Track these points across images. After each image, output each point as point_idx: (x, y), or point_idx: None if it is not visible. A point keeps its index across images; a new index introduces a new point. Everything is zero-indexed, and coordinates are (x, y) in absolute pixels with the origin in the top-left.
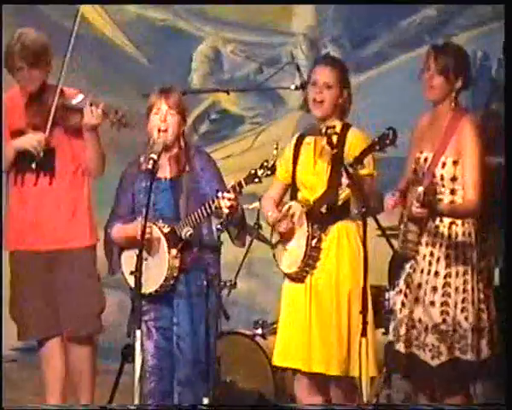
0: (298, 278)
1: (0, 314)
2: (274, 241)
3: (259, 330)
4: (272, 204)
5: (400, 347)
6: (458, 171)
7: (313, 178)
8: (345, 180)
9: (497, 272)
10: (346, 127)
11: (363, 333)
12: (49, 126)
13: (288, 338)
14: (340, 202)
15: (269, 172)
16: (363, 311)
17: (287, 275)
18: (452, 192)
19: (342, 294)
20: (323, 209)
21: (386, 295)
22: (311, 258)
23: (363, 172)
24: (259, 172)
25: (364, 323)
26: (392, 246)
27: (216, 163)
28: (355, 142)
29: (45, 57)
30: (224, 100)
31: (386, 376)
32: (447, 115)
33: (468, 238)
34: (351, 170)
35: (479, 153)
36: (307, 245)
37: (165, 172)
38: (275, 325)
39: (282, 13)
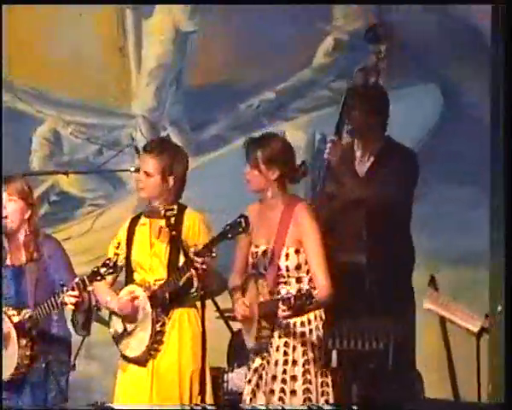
0: (140, 361)
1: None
2: (114, 324)
3: None
4: (108, 289)
5: None
6: (301, 258)
7: (151, 259)
8: (185, 264)
9: (334, 354)
10: (181, 208)
11: None
12: None
13: None
14: (180, 284)
15: (111, 271)
16: (201, 393)
17: (129, 359)
18: (298, 280)
19: (184, 376)
20: (167, 295)
21: (225, 377)
22: (155, 342)
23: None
24: (102, 271)
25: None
26: (230, 328)
27: (64, 250)
28: (192, 223)
29: None
30: (64, 182)
31: None
32: (278, 205)
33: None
34: (197, 259)
35: (319, 237)
36: (152, 329)
37: (13, 259)
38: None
39: (122, 95)
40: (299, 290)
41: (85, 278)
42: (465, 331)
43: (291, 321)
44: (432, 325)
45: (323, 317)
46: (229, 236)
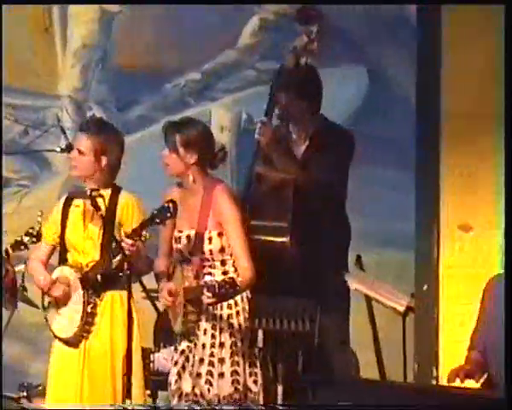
0: (72, 342)
1: (0, 316)
2: (46, 305)
3: (24, 393)
4: (42, 268)
5: None
6: (224, 241)
7: (85, 242)
8: (116, 247)
9: (260, 334)
10: (115, 190)
11: (128, 395)
12: None
13: (58, 403)
14: (113, 267)
15: (34, 240)
16: (127, 373)
17: (60, 339)
18: (223, 263)
19: (116, 358)
20: (99, 277)
21: (151, 357)
22: (87, 323)
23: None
24: (25, 239)
25: (129, 385)
26: (156, 308)
27: None
28: (125, 205)
29: None
30: None
31: None
32: (199, 188)
33: (247, 303)
34: (127, 241)
35: (239, 219)
36: (84, 311)
37: None
38: (40, 387)
39: (48, 75)
40: (224, 278)
41: (8, 247)
42: (391, 311)
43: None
44: (358, 304)
45: (250, 296)
46: (157, 221)
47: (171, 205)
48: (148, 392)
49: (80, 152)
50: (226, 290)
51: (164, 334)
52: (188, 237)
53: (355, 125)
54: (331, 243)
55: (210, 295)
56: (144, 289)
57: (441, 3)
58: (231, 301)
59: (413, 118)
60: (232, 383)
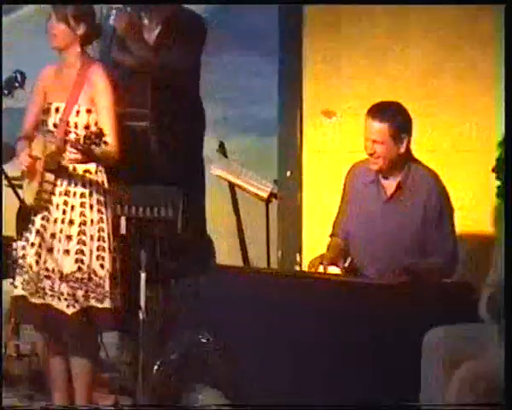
0: None
1: (0, 317)
2: None
3: None
4: None
5: (35, 298)
6: (92, 119)
7: None
8: None
9: (123, 221)
10: None
11: None
12: None
13: None
14: None
15: None
16: None
17: None
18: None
19: None
20: None
21: (14, 245)
22: None
23: None
24: None
25: None
26: (18, 197)
27: None
28: None
29: None
30: None
31: (14, 326)
32: (76, 64)
33: (102, 187)
34: None
35: (111, 98)
36: None
37: None
38: None
39: None
40: (90, 130)
41: None
42: (254, 197)
43: (75, 179)
44: (221, 191)
45: (106, 182)
46: (6, 92)
47: (18, 75)
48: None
49: None
50: (91, 142)
51: (26, 223)
52: (57, 109)
53: (216, 14)
54: (188, 129)
55: (73, 151)
56: (6, 177)
57: None
58: (86, 191)
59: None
60: (76, 261)
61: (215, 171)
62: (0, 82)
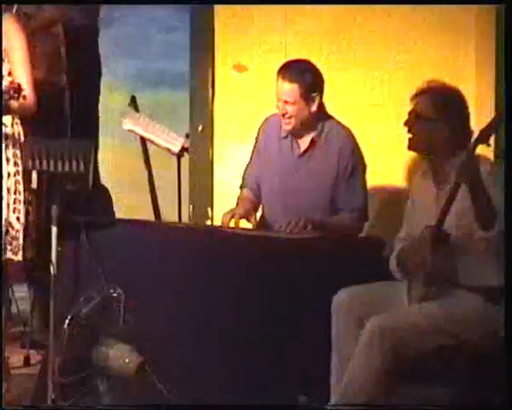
0: None
1: (0, 318)
2: None
3: None
4: None
5: None
6: (5, 69)
7: None
8: None
9: (34, 175)
10: None
11: None
12: None
13: None
14: None
15: None
16: None
17: None
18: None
19: None
20: None
21: None
22: None
23: None
24: None
25: None
26: None
27: None
28: None
29: None
30: None
31: None
32: None
33: (18, 140)
34: None
35: (25, 45)
36: None
37: None
38: None
39: None
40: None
41: None
42: (166, 151)
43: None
44: (133, 146)
45: (22, 135)
46: None
47: None
48: None
49: None
50: (10, 96)
51: None
52: None
53: None
54: (92, 84)
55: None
56: None
57: None
58: (2, 144)
59: None
60: None
61: (126, 125)
62: (0, 85)
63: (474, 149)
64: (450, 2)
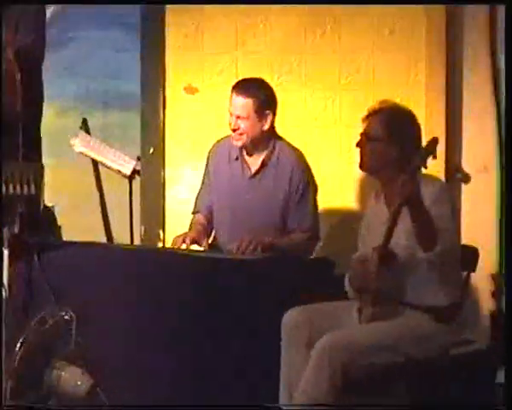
0: None
1: (0, 319)
2: None
3: None
4: None
5: None
6: None
7: None
8: None
9: None
10: None
11: None
12: None
13: None
14: None
15: None
16: None
17: None
18: None
19: None
20: None
21: None
22: None
23: None
24: None
25: None
26: None
27: None
28: None
29: None
30: None
31: None
32: None
33: None
34: None
35: None
36: None
37: None
38: None
39: None
40: None
41: None
42: (117, 174)
43: None
44: (84, 168)
45: None
46: None
47: None
48: None
49: None
50: None
51: None
52: None
53: None
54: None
55: None
56: None
57: None
58: None
59: None
60: None
61: (77, 147)
62: (0, 81)
63: (414, 170)
64: (450, 2)
